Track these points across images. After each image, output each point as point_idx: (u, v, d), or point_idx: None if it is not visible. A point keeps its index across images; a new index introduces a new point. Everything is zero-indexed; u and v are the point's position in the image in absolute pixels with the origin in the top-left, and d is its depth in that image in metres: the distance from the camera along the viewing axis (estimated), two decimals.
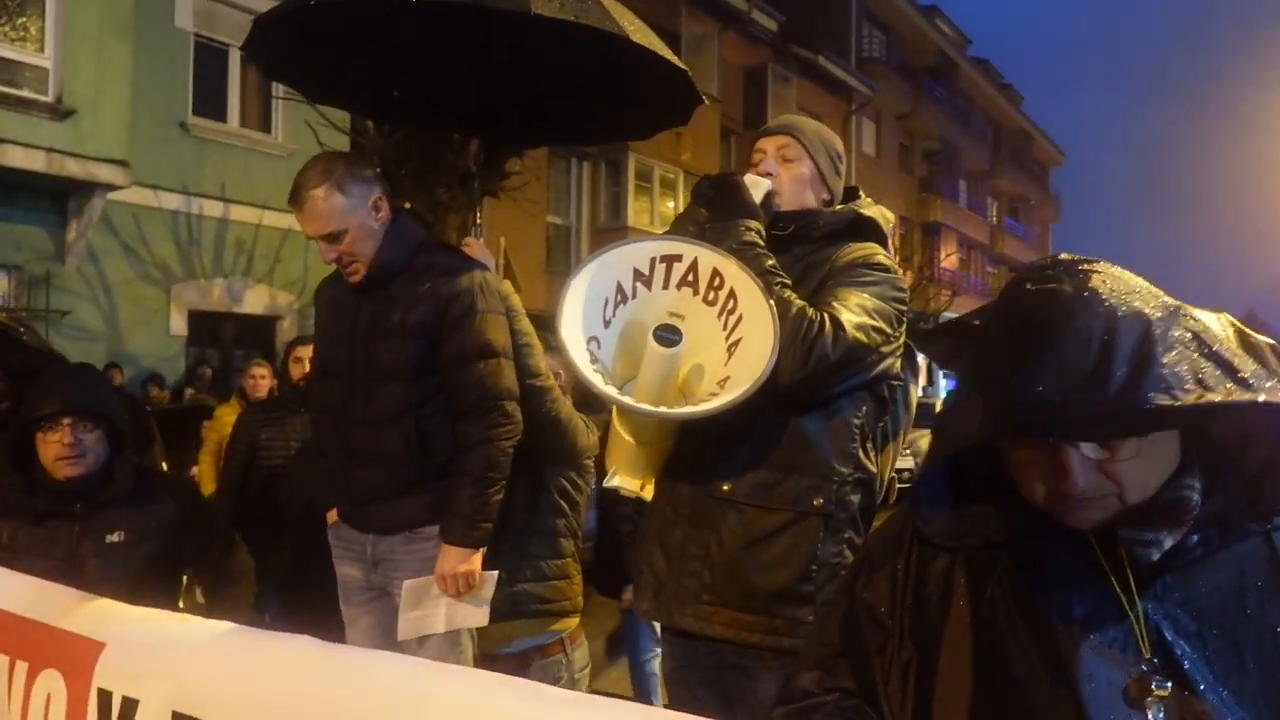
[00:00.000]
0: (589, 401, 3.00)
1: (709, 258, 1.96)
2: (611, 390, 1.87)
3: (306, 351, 4.75)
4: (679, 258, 1.98)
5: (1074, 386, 0.97)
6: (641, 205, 18.85)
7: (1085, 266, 1.06)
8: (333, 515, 2.74)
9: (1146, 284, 1.08)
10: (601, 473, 2.59)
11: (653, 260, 1.98)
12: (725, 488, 1.97)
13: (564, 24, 2.56)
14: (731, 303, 1.93)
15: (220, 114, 12.33)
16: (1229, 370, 1.00)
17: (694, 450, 2.04)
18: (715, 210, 2.09)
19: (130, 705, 1.69)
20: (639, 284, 1.98)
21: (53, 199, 10.39)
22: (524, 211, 12.29)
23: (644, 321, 1.94)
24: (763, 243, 2.03)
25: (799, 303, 1.92)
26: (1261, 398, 0.98)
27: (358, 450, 2.56)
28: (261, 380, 5.98)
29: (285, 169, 11.91)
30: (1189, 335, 1.02)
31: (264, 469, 4.58)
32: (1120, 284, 1.04)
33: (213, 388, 10.32)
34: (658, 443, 2.08)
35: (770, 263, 1.99)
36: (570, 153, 17.34)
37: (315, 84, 3.46)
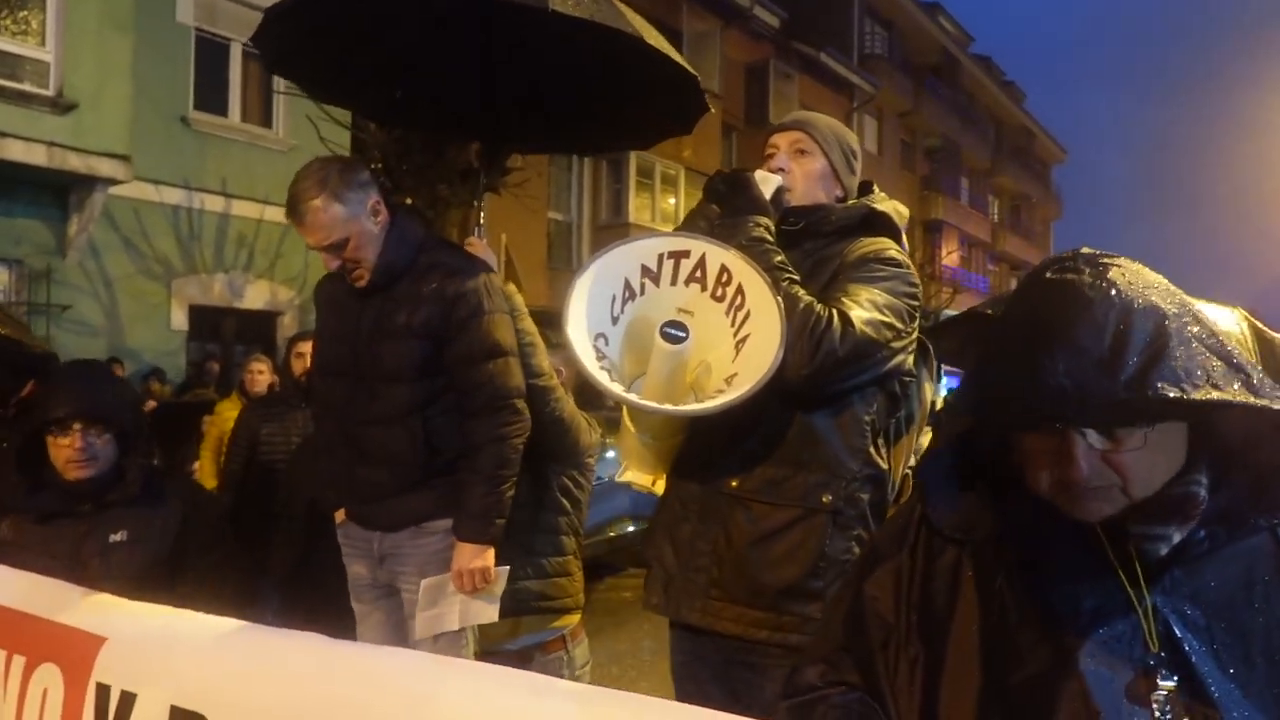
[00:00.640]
0: (590, 398, 2.99)
1: (717, 254, 1.95)
2: (617, 388, 1.86)
3: (309, 347, 4.73)
4: (687, 254, 1.97)
5: (1086, 373, 0.99)
6: (643, 202, 18.85)
7: (1106, 260, 1.07)
8: (340, 514, 2.75)
9: (1164, 280, 1.09)
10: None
11: (661, 256, 1.97)
12: (734, 484, 1.97)
13: (568, 24, 2.54)
14: (739, 299, 1.92)
15: (221, 109, 12.32)
16: (1239, 371, 1.01)
17: (703, 446, 2.04)
18: (726, 206, 2.08)
19: (128, 700, 1.68)
20: (647, 280, 1.97)
21: (54, 193, 10.38)
22: (525, 208, 12.28)
23: (652, 318, 1.93)
24: (772, 239, 2.01)
25: (806, 298, 1.91)
26: (1276, 406, 0.99)
27: (364, 450, 2.56)
28: (260, 375, 5.97)
29: (286, 164, 11.90)
30: (1204, 333, 1.03)
31: (265, 465, 4.57)
32: (1139, 278, 1.06)
33: (218, 383, 10.31)
34: (667, 439, 2.08)
35: (779, 259, 1.98)
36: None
37: (318, 82, 3.44)
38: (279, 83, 11.63)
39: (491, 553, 2.51)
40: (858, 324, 1.88)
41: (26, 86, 9.57)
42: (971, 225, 34.14)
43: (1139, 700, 1.02)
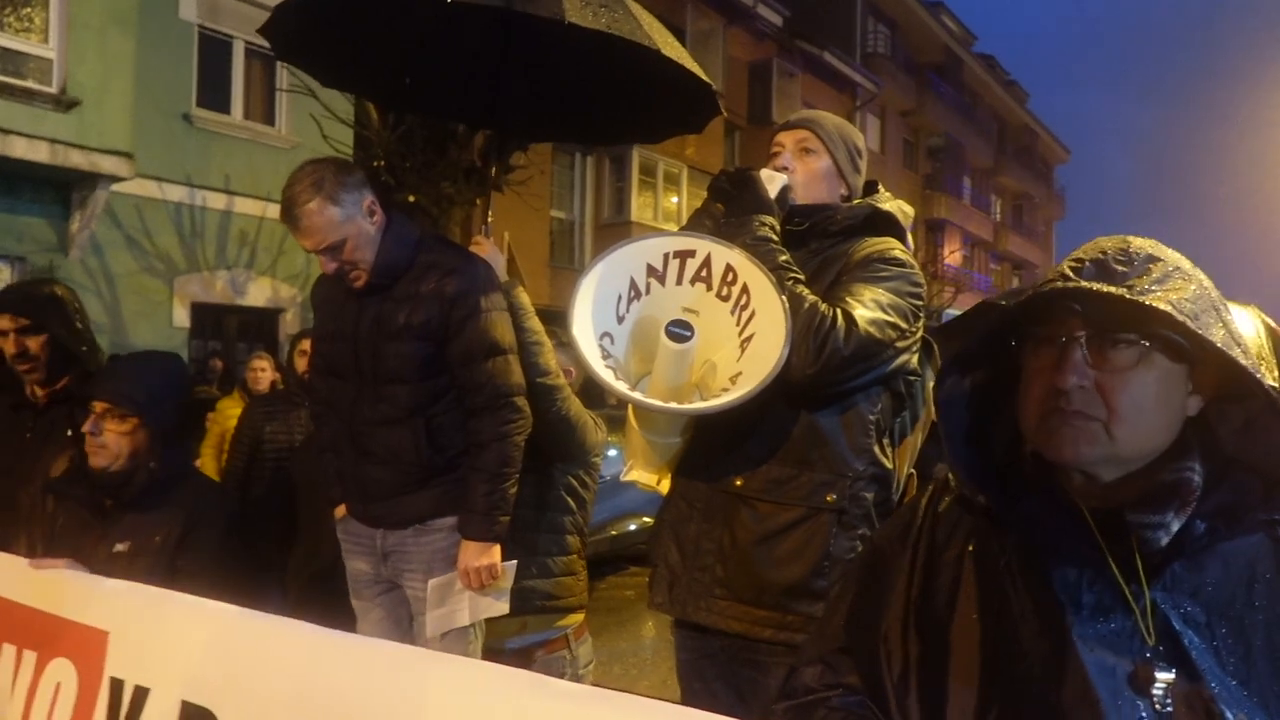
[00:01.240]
0: (593, 397, 2.99)
1: (722, 253, 1.95)
2: (622, 386, 1.86)
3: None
4: (692, 253, 1.97)
5: (1101, 273, 1.07)
6: (645, 200, 18.84)
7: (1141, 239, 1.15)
8: (340, 510, 2.75)
9: None
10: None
11: (666, 256, 1.98)
12: (738, 483, 1.97)
13: (593, 34, 2.53)
14: (745, 298, 1.93)
15: (224, 106, 12.32)
16: (1246, 355, 1.04)
17: (708, 445, 2.04)
18: (731, 205, 2.08)
19: (141, 694, 1.69)
20: (653, 280, 1.98)
21: (56, 190, 10.38)
22: (528, 206, 12.29)
23: (657, 318, 1.93)
24: (777, 238, 2.01)
25: (811, 298, 1.91)
26: (1267, 385, 1.02)
27: (368, 450, 2.57)
28: (262, 373, 5.98)
29: (289, 161, 11.88)
30: (1228, 317, 1.07)
31: (269, 462, 4.57)
32: (1185, 259, 1.13)
33: (221, 381, 10.31)
34: (672, 437, 2.08)
35: (784, 258, 1.98)
36: (574, 147, 17.34)
37: (326, 68, 3.42)
38: (282, 80, 11.65)
39: (497, 549, 2.52)
40: (862, 324, 1.88)
41: (29, 83, 9.57)
42: (974, 225, 34.11)
43: (1139, 693, 1.03)
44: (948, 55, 32.93)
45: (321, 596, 3.18)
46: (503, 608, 2.58)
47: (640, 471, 2.14)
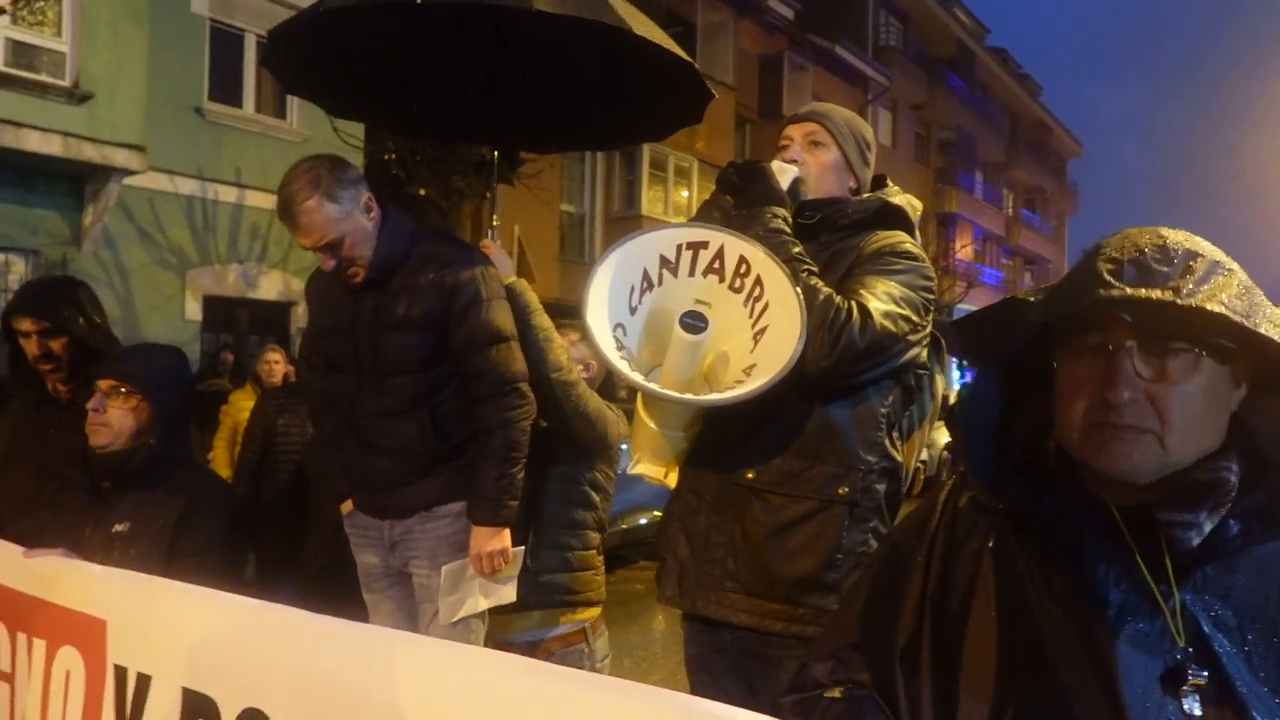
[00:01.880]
0: (605, 389, 2.99)
1: (735, 245, 1.95)
2: (637, 376, 1.86)
3: None
4: (705, 245, 1.96)
5: (1147, 278, 1.00)
6: (656, 194, 18.82)
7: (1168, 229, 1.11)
8: (348, 505, 2.76)
9: None
10: None
11: (679, 247, 1.97)
12: (750, 475, 1.96)
13: (567, 23, 2.53)
14: (758, 290, 1.92)
15: (236, 99, 12.34)
16: None
17: (719, 438, 2.03)
18: (741, 197, 2.07)
19: (144, 681, 1.69)
20: (665, 271, 1.97)
21: (69, 183, 10.43)
22: (538, 200, 12.30)
23: (670, 309, 1.93)
24: (789, 230, 2.01)
25: (826, 290, 1.91)
26: None
27: (372, 442, 2.58)
28: (276, 366, 6.00)
29: (300, 155, 11.71)
30: (1263, 300, 1.04)
31: (281, 455, 4.60)
32: (1216, 248, 1.08)
33: (232, 374, 10.36)
34: (683, 430, 2.08)
35: (797, 250, 1.97)
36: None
37: (333, 99, 3.46)
38: None
39: (507, 534, 2.54)
40: (877, 317, 1.87)
41: (43, 77, 9.61)
42: (986, 219, 33.96)
43: (1168, 695, 1.01)
44: (960, 49, 32.76)
45: (331, 588, 3.19)
46: (511, 594, 2.60)
47: (647, 465, 2.14)
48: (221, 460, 5.60)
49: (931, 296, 2.02)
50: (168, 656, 1.68)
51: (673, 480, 2.19)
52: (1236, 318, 0.97)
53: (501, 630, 2.75)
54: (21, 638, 1.99)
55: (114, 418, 2.40)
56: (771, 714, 1.07)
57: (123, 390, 2.41)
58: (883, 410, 1.99)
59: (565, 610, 2.85)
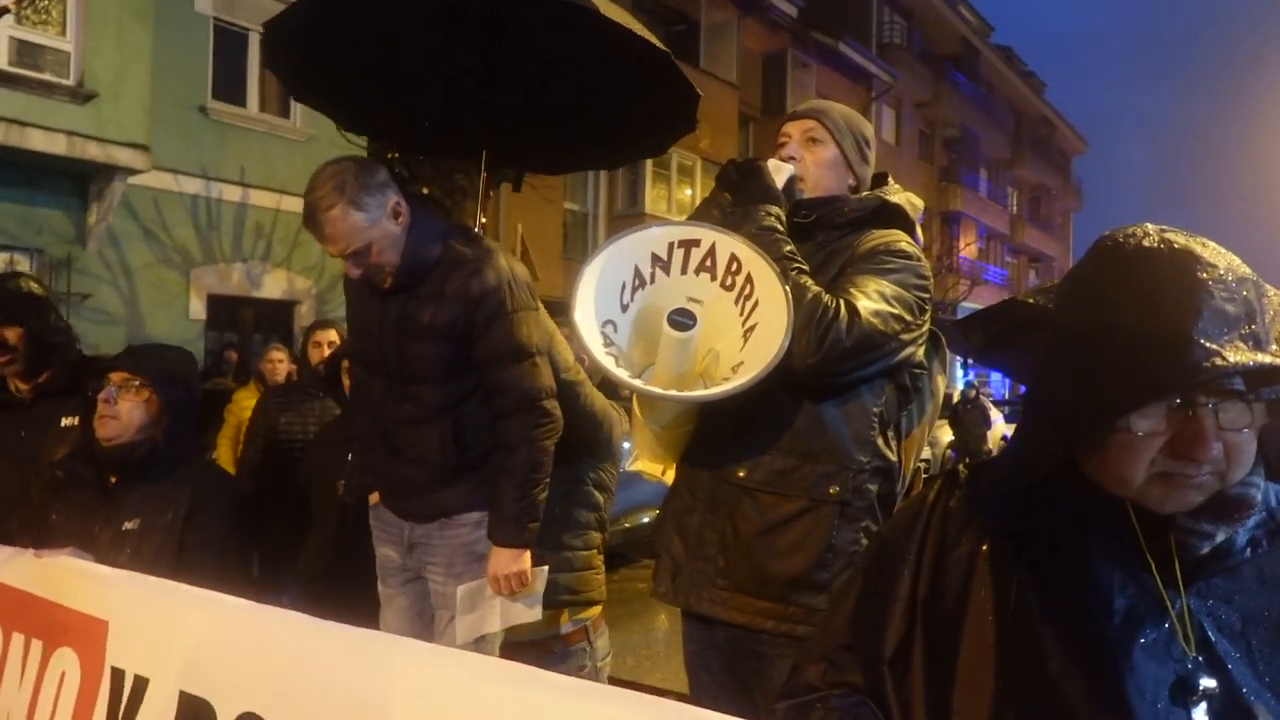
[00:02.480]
0: (608, 389, 3.00)
1: (726, 243, 1.95)
2: (623, 374, 1.87)
3: (326, 336, 4.77)
4: (697, 243, 1.96)
5: (1234, 338, 0.94)
6: (659, 192, 18.81)
7: (1184, 231, 1.04)
8: (374, 497, 2.76)
9: None
10: None
11: (671, 245, 1.97)
12: (741, 474, 1.96)
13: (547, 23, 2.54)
14: (748, 288, 1.92)
15: (240, 98, 12.36)
16: None
17: (711, 436, 2.03)
18: (737, 195, 2.06)
19: (141, 684, 1.70)
20: (657, 269, 1.97)
21: (74, 182, 10.46)
22: (541, 198, 12.28)
23: (663, 306, 1.92)
24: (782, 228, 2.01)
25: (814, 288, 1.90)
26: None
27: (397, 447, 2.56)
28: (280, 364, 6.00)
29: (304, 154, 11.95)
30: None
31: (283, 453, 4.60)
32: (1223, 249, 1.03)
33: (236, 372, 10.38)
34: (676, 427, 2.08)
35: (788, 248, 1.97)
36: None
37: (344, 114, 3.48)
38: None
39: (527, 555, 2.48)
40: (865, 315, 1.87)
41: (47, 76, 9.64)
42: (990, 217, 33.89)
43: (1178, 703, 1.00)
44: (964, 46, 32.70)
45: (334, 590, 3.20)
46: (535, 614, 2.55)
47: (645, 462, 2.15)
48: (225, 459, 5.60)
49: (926, 295, 2.01)
50: (167, 659, 1.68)
51: (670, 478, 2.19)
52: None
53: (505, 631, 2.75)
54: (18, 638, 2.00)
55: (124, 410, 2.43)
56: (765, 718, 1.06)
57: (135, 383, 2.45)
58: (875, 409, 1.98)
59: (567, 610, 2.85)
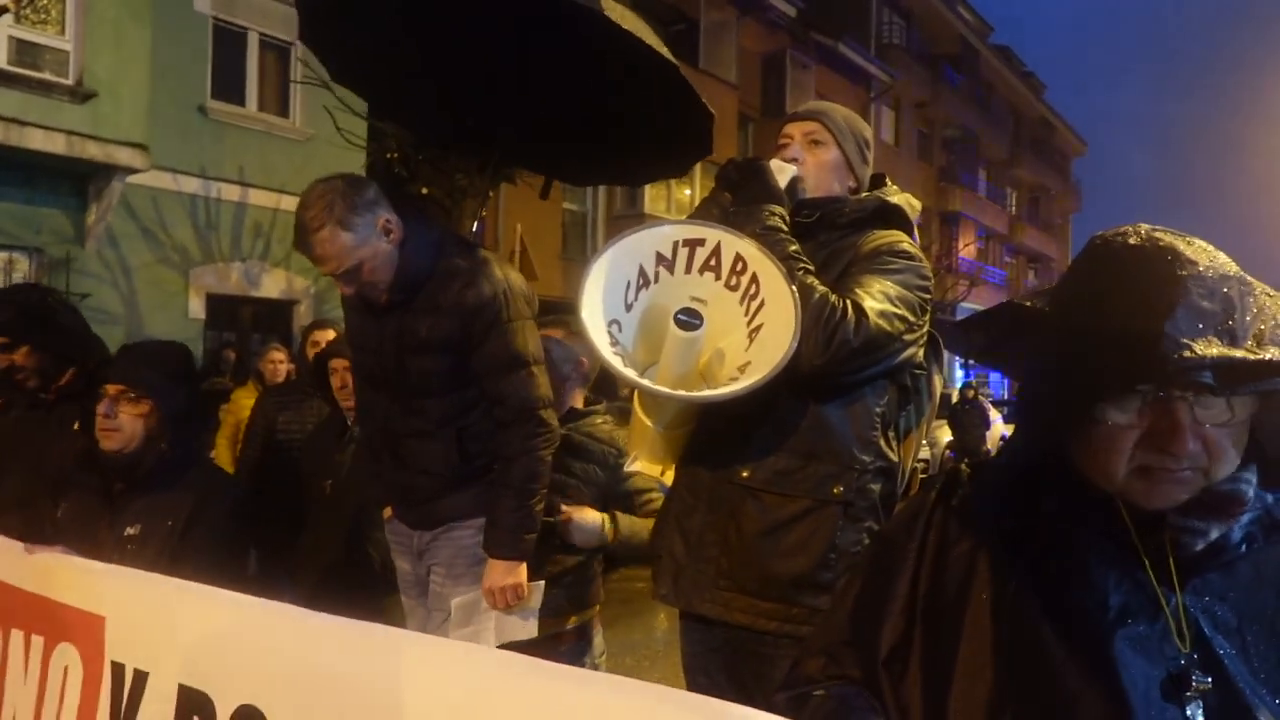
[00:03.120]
0: (604, 387, 2.99)
1: (732, 242, 1.94)
2: (631, 373, 1.86)
3: (324, 335, 4.77)
4: (702, 242, 1.96)
5: (1208, 333, 0.95)
6: (658, 192, 18.80)
7: (1173, 230, 1.05)
8: (388, 512, 2.77)
9: None
10: None
11: (675, 244, 1.97)
12: (744, 474, 1.96)
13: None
14: (754, 288, 1.92)
15: (239, 98, 12.35)
16: None
17: (714, 436, 2.03)
18: (739, 194, 2.06)
19: (141, 678, 1.70)
20: (661, 268, 1.97)
21: (73, 182, 10.45)
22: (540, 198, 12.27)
23: (666, 306, 1.92)
24: (786, 228, 2.01)
25: (821, 289, 1.90)
26: None
27: (401, 458, 2.57)
28: (279, 365, 6.01)
29: (303, 153, 11.95)
30: (1275, 305, 1.02)
31: (282, 453, 4.59)
32: (1213, 248, 1.04)
33: (234, 372, 10.38)
34: (678, 428, 2.07)
35: (793, 248, 1.97)
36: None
37: (377, 97, 3.47)
38: (296, 72, 11.66)
39: (523, 568, 2.47)
40: (871, 315, 1.87)
41: (46, 75, 9.64)
42: (989, 217, 33.91)
43: (1171, 700, 1.00)
44: (964, 46, 32.72)
45: (336, 590, 3.20)
46: (530, 630, 2.52)
47: (644, 462, 2.14)
48: (224, 458, 5.60)
49: (928, 296, 2.02)
50: (165, 653, 1.68)
51: (669, 478, 2.19)
52: None
53: None
54: (17, 635, 2.00)
55: (125, 422, 2.39)
56: (768, 706, 1.06)
57: (131, 395, 2.41)
58: (878, 409, 1.99)
59: (565, 613, 2.85)
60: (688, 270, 1.96)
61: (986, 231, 33.84)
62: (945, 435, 14.88)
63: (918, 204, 2.21)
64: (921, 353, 2.05)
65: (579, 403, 2.89)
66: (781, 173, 2.07)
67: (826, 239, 2.08)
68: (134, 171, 10.39)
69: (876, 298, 1.91)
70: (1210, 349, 0.93)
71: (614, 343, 1.89)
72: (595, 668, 2.94)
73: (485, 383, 2.48)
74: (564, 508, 2.63)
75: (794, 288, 1.87)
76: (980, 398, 14.75)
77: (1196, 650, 1.02)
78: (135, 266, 11.21)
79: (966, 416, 13.93)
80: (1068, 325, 1.05)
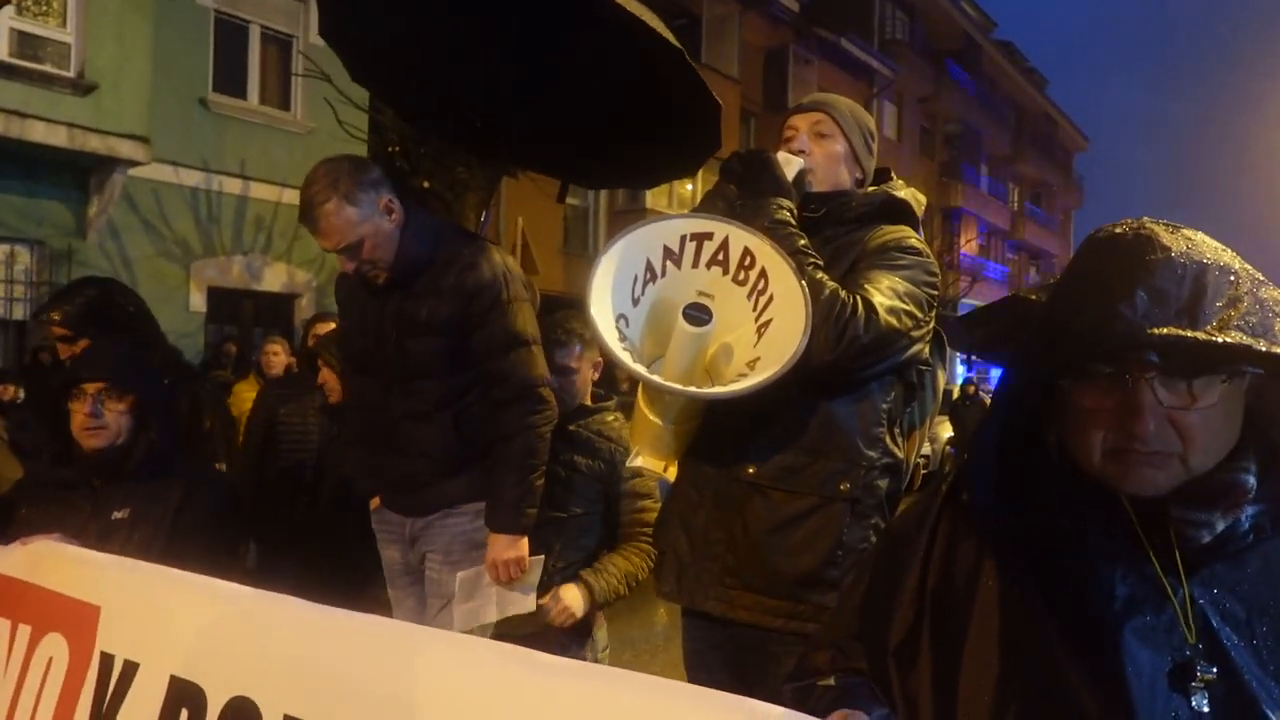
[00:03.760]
0: (607, 383, 2.98)
1: (740, 236, 1.92)
2: (640, 368, 1.84)
3: (326, 328, 4.77)
4: (710, 236, 1.94)
5: (1166, 315, 0.96)
6: (660, 187, 18.77)
7: (1169, 223, 1.07)
8: (375, 501, 2.77)
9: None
10: None
11: (683, 238, 1.95)
12: (751, 471, 1.95)
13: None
14: (762, 283, 1.90)
15: (240, 91, 12.34)
16: None
17: (720, 432, 2.02)
18: (746, 187, 2.04)
19: (131, 669, 1.69)
20: (669, 262, 1.95)
21: (75, 174, 10.44)
22: (542, 192, 12.23)
23: (673, 300, 1.91)
24: (795, 222, 1.99)
25: (831, 284, 1.89)
26: None
27: (397, 444, 2.58)
28: (276, 357, 6.01)
29: (304, 146, 11.93)
30: (1269, 295, 1.01)
31: (283, 445, 4.59)
32: (1210, 240, 1.05)
33: (236, 365, 10.37)
34: (683, 423, 2.06)
35: (802, 242, 1.95)
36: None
37: (392, 93, 3.47)
38: (298, 65, 11.64)
39: (524, 542, 2.51)
40: (881, 312, 1.86)
41: (48, 67, 9.62)
42: (991, 213, 33.86)
43: (1177, 690, 1.00)
44: (966, 42, 32.64)
45: (338, 586, 3.20)
46: (529, 603, 2.57)
47: (647, 458, 2.13)
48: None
49: (935, 292, 2.01)
50: (159, 644, 1.68)
51: (672, 474, 2.17)
52: (1261, 346, 0.94)
53: (503, 625, 2.75)
54: (3, 624, 1.99)
55: (111, 419, 2.39)
56: (772, 702, 1.07)
57: (114, 392, 2.40)
58: (884, 406, 1.98)
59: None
60: (695, 265, 1.95)
61: (988, 227, 33.80)
62: (946, 431, 14.90)
63: (923, 199, 2.19)
64: (927, 349, 2.04)
65: (589, 374, 2.88)
66: (789, 165, 2.06)
67: (833, 233, 2.07)
68: (135, 164, 10.37)
69: (886, 294, 1.90)
70: (1165, 330, 0.95)
71: (622, 338, 1.88)
72: (598, 662, 2.94)
73: (487, 363, 2.51)
74: (548, 597, 2.63)
75: (804, 283, 1.85)
76: (981, 393, 14.76)
77: (1203, 641, 1.02)
78: (136, 259, 11.20)
79: (968, 412, 13.97)
80: (1048, 311, 1.09)
